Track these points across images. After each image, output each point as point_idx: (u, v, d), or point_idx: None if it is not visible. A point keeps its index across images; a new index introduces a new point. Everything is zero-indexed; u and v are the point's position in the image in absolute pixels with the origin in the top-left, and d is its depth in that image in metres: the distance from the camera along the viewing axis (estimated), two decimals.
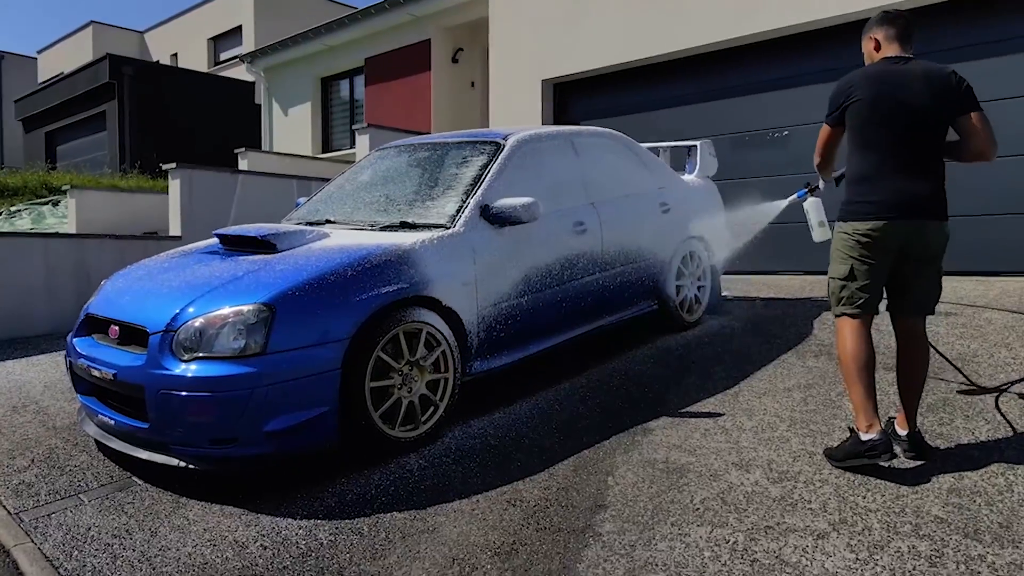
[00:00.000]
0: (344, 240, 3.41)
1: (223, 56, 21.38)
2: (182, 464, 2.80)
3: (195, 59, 21.94)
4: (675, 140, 5.83)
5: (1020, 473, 2.66)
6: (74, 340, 3.34)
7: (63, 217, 10.44)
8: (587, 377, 4.06)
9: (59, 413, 3.86)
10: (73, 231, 8.88)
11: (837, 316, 2.87)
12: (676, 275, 4.84)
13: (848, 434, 2.80)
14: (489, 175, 3.78)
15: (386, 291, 3.06)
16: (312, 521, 2.60)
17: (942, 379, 3.58)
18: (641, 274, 4.57)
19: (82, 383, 3.26)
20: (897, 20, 2.84)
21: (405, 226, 3.59)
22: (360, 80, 12.99)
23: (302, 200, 4.72)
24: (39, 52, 27.50)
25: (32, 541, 2.52)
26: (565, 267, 3.97)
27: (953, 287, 5.33)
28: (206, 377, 2.71)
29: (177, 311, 2.88)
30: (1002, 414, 3.17)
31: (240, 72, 17.35)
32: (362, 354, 2.93)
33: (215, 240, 3.67)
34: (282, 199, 7.51)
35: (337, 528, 2.54)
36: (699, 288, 5.09)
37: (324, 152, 13.71)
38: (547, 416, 3.51)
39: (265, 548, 2.43)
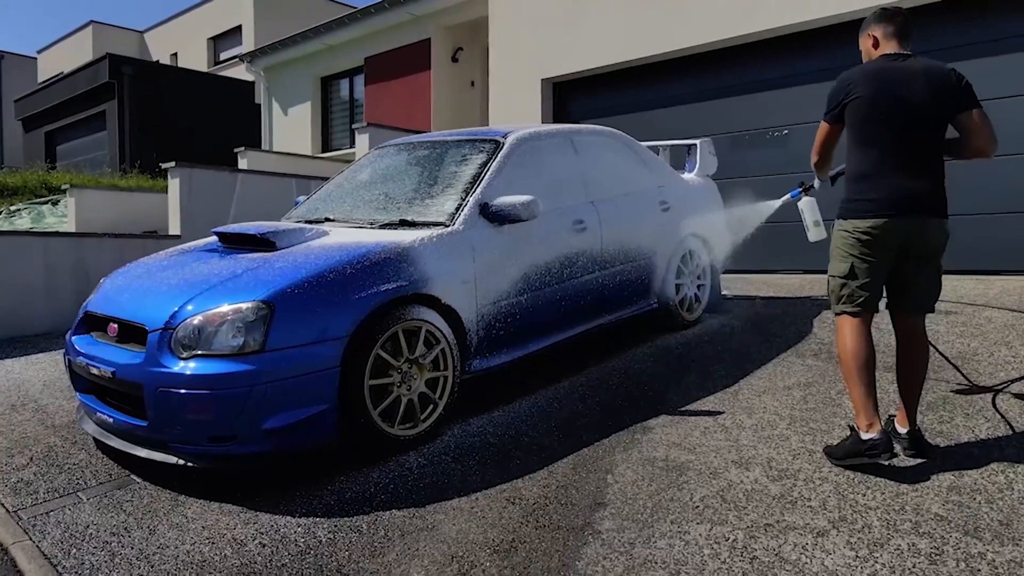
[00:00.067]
0: (343, 238, 3.40)
1: (223, 56, 21.38)
2: (181, 462, 2.80)
3: (195, 59, 21.94)
4: (675, 139, 5.83)
5: (1020, 471, 2.65)
6: (73, 338, 3.34)
7: (63, 216, 10.44)
8: (587, 375, 4.06)
9: (58, 411, 3.86)
10: (73, 230, 8.88)
11: (837, 314, 2.86)
12: (676, 274, 4.83)
13: (848, 433, 2.79)
14: (488, 173, 3.77)
15: (385, 289, 3.06)
16: (311, 519, 2.59)
17: (944, 380, 3.58)
18: (641, 273, 4.56)
19: (81, 381, 3.26)
20: (895, 17, 2.83)
21: (404, 224, 3.59)
22: (360, 79, 12.99)
23: (301, 199, 4.72)
24: (39, 52, 27.51)
25: (30, 539, 2.52)
26: (564, 265, 3.97)
27: (953, 286, 5.33)
28: (205, 375, 2.70)
29: (176, 309, 2.87)
30: (1000, 413, 3.16)
31: (240, 72, 17.35)
32: (361, 352, 2.93)
33: (214, 238, 3.67)
34: (282, 198, 7.51)
35: (336, 526, 2.54)
36: (699, 287, 5.09)
37: (324, 152, 13.71)
38: (546, 414, 3.51)
39: (264, 546, 2.43)
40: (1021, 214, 5.85)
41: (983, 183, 5.80)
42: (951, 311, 4.71)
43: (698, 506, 2.55)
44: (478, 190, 3.67)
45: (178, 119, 17.54)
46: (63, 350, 3.48)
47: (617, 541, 2.36)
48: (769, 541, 2.30)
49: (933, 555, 2.17)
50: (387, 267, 3.12)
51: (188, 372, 2.72)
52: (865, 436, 2.64)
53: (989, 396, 3.35)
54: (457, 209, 3.58)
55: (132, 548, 2.44)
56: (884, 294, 2.87)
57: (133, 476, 2.99)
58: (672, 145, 5.68)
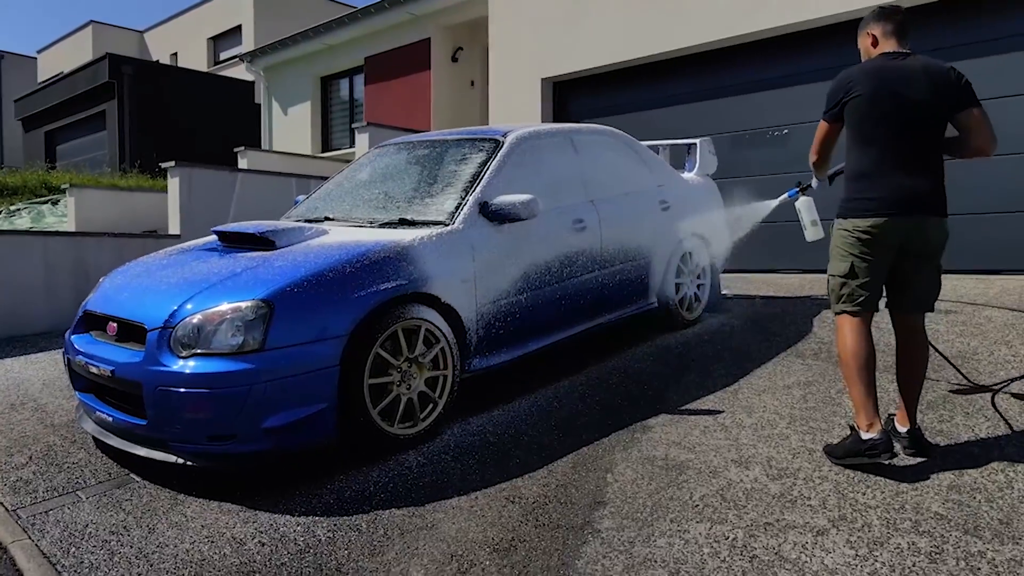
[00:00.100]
0: (343, 237, 3.40)
1: (223, 56, 21.37)
2: (180, 461, 2.79)
3: (195, 59, 21.94)
4: (675, 138, 5.83)
5: (1020, 470, 2.65)
6: (72, 337, 3.33)
7: (62, 216, 10.44)
8: (586, 375, 4.06)
9: (57, 410, 3.86)
10: (72, 230, 8.87)
11: (837, 314, 2.86)
12: (675, 273, 4.83)
13: (848, 432, 2.79)
14: (488, 172, 3.77)
15: (385, 288, 3.05)
16: (310, 518, 2.59)
17: (943, 379, 3.57)
18: (640, 272, 4.56)
19: (80, 380, 3.26)
20: (894, 15, 2.83)
21: (404, 223, 3.59)
22: (360, 79, 12.99)
23: (301, 198, 4.71)
24: (39, 52, 27.51)
25: (29, 538, 2.51)
26: (564, 264, 3.96)
27: (953, 285, 5.33)
28: (204, 373, 2.70)
29: (175, 307, 2.87)
30: (999, 412, 3.16)
31: (240, 71, 17.34)
32: (361, 351, 2.93)
33: (214, 237, 3.67)
34: (281, 198, 7.50)
35: (335, 525, 2.54)
36: (699, 286, 5.09)
37: (324, 151, 13.71)
38: (546, 413, 3.50)
39: (263, 544, 2.43)
40: (1020, 213, 5.85)
41: (982, 183, 5.81)
42: (951, 310, 4.71)
43: (698, 505, 2.55)
44: (478, 189, 3.67)
45: (178, 119, 17.54)
46: (62, 349, 3.47)
47: (617, 540, 2.36)
48: (769, 540, 2.30)
49: (933, 554, 2.17)
50: (386, 266, 3.12)
51: (187, 371, 2.71)
52: (865, 436, 2.63)
53: (989, 395, 3.34)
54: (457, 208, 3.58)
55: (131, 547, 2.43)
56: (884, 293, 2.86)
57: (132, 475, 2.99)
58: (672, 144, 5.68)
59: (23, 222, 10.88)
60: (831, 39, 6.60)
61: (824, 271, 2.96)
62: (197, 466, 2.80)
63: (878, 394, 2.84)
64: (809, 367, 3.95)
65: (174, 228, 7.67)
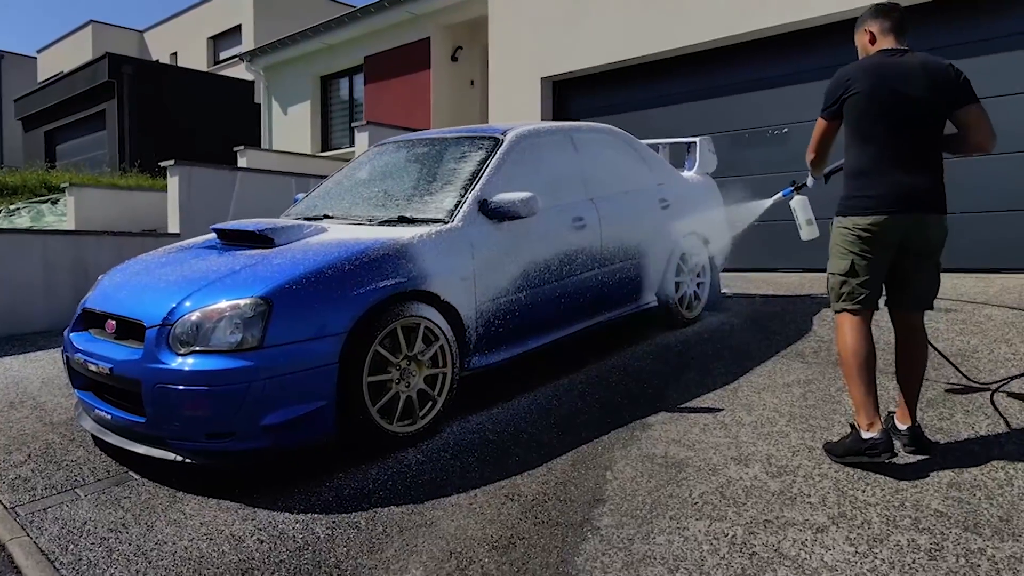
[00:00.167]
0: (342, 235, 3.39)
1: (223, 55, 21.38)
2: (179, 458, 2.79)
3: (195, 58, 21.94)
4: (674, 137, 5.82)
5: (1020, 467, 2.65)
6: (71, 335, 3.33)
7: (62, 215, 10.43)
8: (586, 373, 4.05)
9: (56, 409, 3.85)
10: (72, 229, 8.87)
11: (837, 312, 2.85)
12: (675, 271, 4.83)
13: (849, 430, 2.78)
14: (487, 170, 3.77)
15: (384, 285, 3.05)
16: (309, 515, 2.58)
17: (944, 378, 3.57)
18: (640, 270, 4.56)
19: (79, 378, 3.25)
20: (892, 13, 2.82)
21: (403, 221, 3.58)
22: (360, 79, 12.98)
23: (300, 196, 4.71)
24: (39, 51, 27.52)
25: (28, 535, 2.51)
26: (564, 262, 3.96)
27: (953, 284, 5.33)
28: (203, 371, 2.70)
29: (174, 305, 2.86)
30: (998, 410, 3.15)
31: (240, 71, 17.35)
32: (360, 348, 2.92)
33: (213, 235, 3.66)
34: (281, 197, 7.49)
35: (334, 522, 2.53)
36: (698, 285, 5.08)
37: (324, 151, 13.71)
38: (546, 411, 3.50)
39: (262, 542, 2.42)
40: (1020, 212, 5.85)
41: (982, 181, 5.81)
42: (951, 309, 4.71)
43: (697, 502, 2.55)
44: (477, 187, 3.66)
45: (178, 118, 17.54)
46: (61, 347, 3.47)
47: (616, 537, 2.35)
48: (768, 537, 2.29)
49: (933, 551, 2.17)
50: (386, 263, 3.11)
51: (186, 368, 2.71)
52: (866, 435, 2.63)
53: (988, 393, 3.34)
54: (456, 206, 3.58)
55: (130, 544, 2.43)
56: (883, 291, 2.86)
57: (131, 473, 2.98)
58: (672, 143, 5.67)
59: (23, 221, 10.87)
60: (830, 38, 6.60)
61: (824, 270, 2.96)
62: (196, 463, 2.80)
63: (878, 391, 2.83)
64: (809, 365, 3.95)
65: (173, 227, 7.66)
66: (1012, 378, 3.49)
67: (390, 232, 3.37)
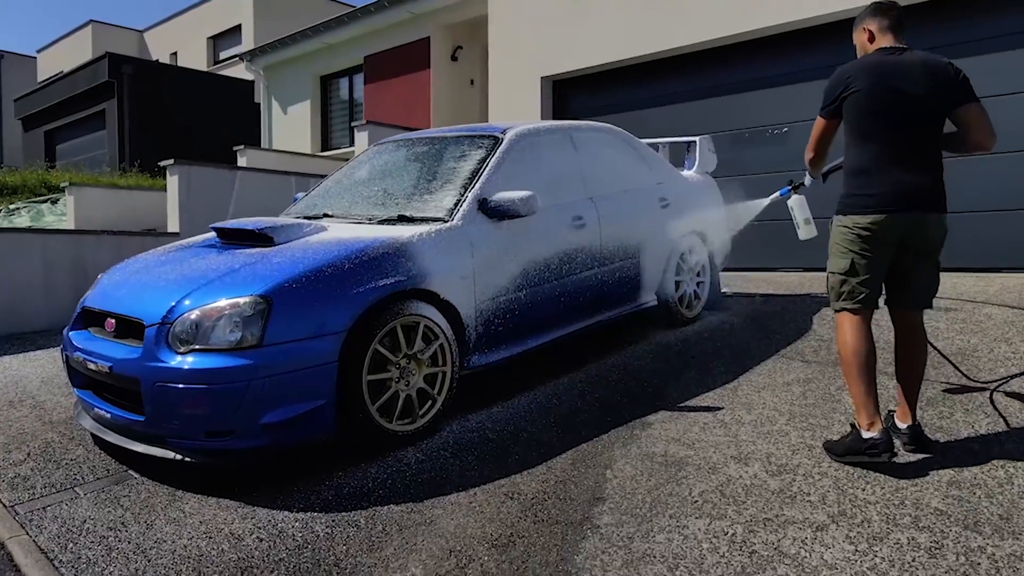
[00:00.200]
0: (341, 233, 3.39)
1: (222, 55, 21.38)
2: (178, 457, 2.79)
3: (194, 58, 21.94)
4: (675, 136, 5.82)
5: (1020, 466, 2.64)
6: (70, 334, 3.33)
7: (62, 215, 10.42)
8: (585, 372, 4.05)
9: (56, 408, 3.85)
10: (71, 228, 8.86)
11: (837, 311, 2.84)
12: (675, 271, 4.82)
13: (849, 429, 2.78)
14: (487, 169, 3.77)
15: (383, 284, 3.05)
16: (309, 514, 2.58)
17: (944, 376, 3.57)
18: (640, 269, 4.55)
19: (78, 376, 3.25)
20: (890, 11, 2.82)
21: (403, 219, 3.58)
22: (359, 78, 12.98)
23: (300, 195, 4.71)
24: (39, 51, 27.52)
25: (27, 533, 2.51)
26: (563, 261, 3.96)
27: (953, 283, 5.33)
28: (202, 369, 2.69)
29: (173, 303, 2.86)
30: (997, 409, 3.15)
31: (240, 71, 17.34)
32: (359, 347, 2.92)
33: (212, 234, 3.66)
34: (281, 196, 7.48)
35: (334, 520, 2.53)
36: (698, 284, 5.08)
37: (323, 150, 13.70)
38: (545, 410, 3.50)
39: (261, 540, 2.42)
40: (1019, 211, 5.85)
41: (981, 181, 5.81)
42: (951, 308, 4.70)
43: (697, 501, 2.54)
44: (477, 186, 3.66)
45: (178, 118, 17.54)
46: (61, 346, 3.47)
47: (616, 535, 2.35)
48: (768, 535, 2.29)
49: (933, 549, 2.16)
50: (385, 262, 3.11)
51: (185, 367, 2.71)
52: (866, 435, 2.62)
53: (988, 392, 3.34)
54: (456, 205, 3.58)
55: (129, 542, 2.43)
56: (883, 291, 2.85)
57: (130, 471, 2.98)
58: (672, 142, 5.67)
59: (22, 221, 10.87)
60: (831, 37, 6.60)
61: (823, 269, 2.95)
62: (195, 462, 2.80)
63: (878, 390, 2.83)
64: (809, 364, 3.95)
65: (173, 226, 7.66)
66: (1011, 377, 3.49)
67: (390, 231, 3.37)
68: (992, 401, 3.24)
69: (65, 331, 3.41)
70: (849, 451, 2.70)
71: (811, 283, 6.06)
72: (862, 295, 2.75)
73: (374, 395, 2.99)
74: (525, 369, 4.00)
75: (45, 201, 11.68)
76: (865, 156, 2.75)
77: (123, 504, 2.70)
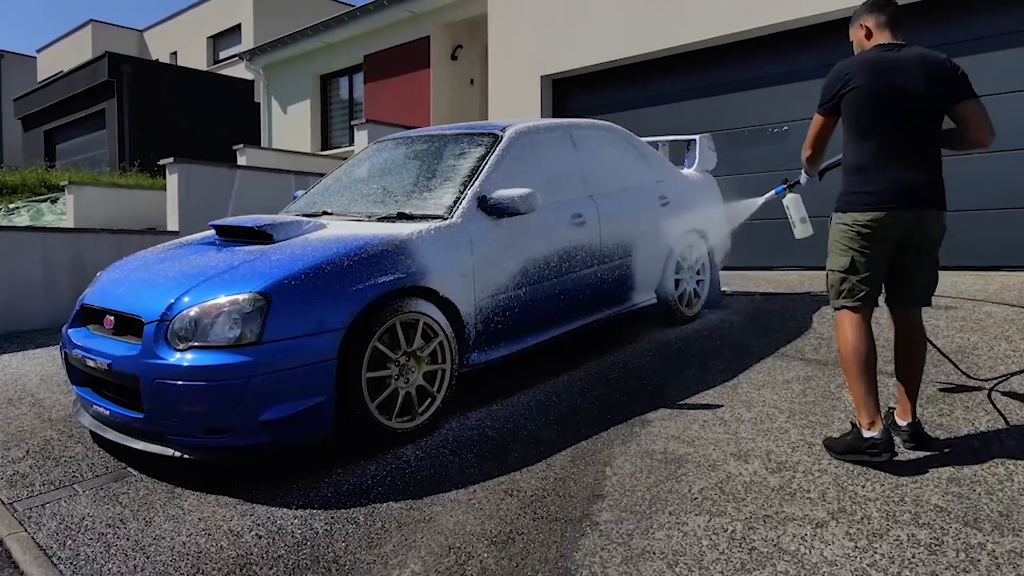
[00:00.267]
0: (341, 231, 3.39)
1: (222, 54, 21.37)
2: (177, 454, 2.78)
3: (194, 57, 21.93)
4: (674, 135, 5.82)
5: (1020, 463, 2.64)
6: (69, 331, 3.32)
7: (61, 214, 10.42)
8: (585, 370, 4.05)
9: (55, 405, 3.85)
10: (71, 227, 8.85)
11: (837, 309, 2.83)
12: (675, 269, 4.82)
13: (850, 427, 2.77)
14: (487, 166, 3.76)
15: (383, 281, 3.04)
16: (308, 511, 2.58)
17: (943, 375, 3.56)
18: (639, 267, 4.55)
19: (77, 374, 3.25)
20: (887, 7, 2.81)
21: (402, 217, 3.58)
22: (359, 78, 12.98)
23: (300, 193, 4.71)
24: (38, 51, 27.52)
25: (26, 530, 2.50)
26: (563, 259, 3.95)
27: (953, 281, 5.32)
28: (201, 366, 2.69)
29: (172, 300, 2.86)
30: (996, 407, 3.15)
31: (239, 70, 17.34)
32: (359, 344, 2.92)
33: (212, 232, 3.66)
34: (280, 195, 7.46)
35: (333, 518, 2.53)
36: (698, 282, 5.08)
37: (323, 150, 13.70)
38: (545, 408, 3.49)
39: (260, 537, 2.42)
40: (1019, 210, 5.84)
41: (981, 179, 5.80)
42: (951, 306, 4.70)
43: (696, 498, 2.54)
44: (476, 183, 3.66)
45: (177, 118, 17.53)
46: (60, 344, 3.46)
47: (615, 532, 2.35)
48: (768, 532, 2.29)
49: (933, 545, 2.16)
50: (384, 259, 3.11)
51: (184, 364, 2.70)
52: (867, 434, 2.62)
53: (988, 390, 3.33)
54: (455, 202, 3.57)
55: (128, 540, 2.42)
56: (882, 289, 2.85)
57: (129, 469, 2.98)
58: (671, 140, 5.67)
59: (22, 220, 10.86)
60: (830, 36, 6.58)
61: (823, 267, 2.94)
62: (194, 459, 2.79)
63: (878, 388, 2.82)
64: (808, 362, 3.94)
65: (172, 225, 7.65)
66: (1011, 375, 3.49)
67: (389, 228, 3.37)
68: (991, 399, 3.23)
69: (64, 329, 3.40)
70: (849, 450, 2.70)
71: (811, 281, 6.06)
72: (862, 293, 2.74)
73: (373, 392, 2.98)
74: (525, 367, 4.00)
75: (45, 200, 11.67)
76: (864, 153, 2.74)
77: (122, 501, 2.70)
